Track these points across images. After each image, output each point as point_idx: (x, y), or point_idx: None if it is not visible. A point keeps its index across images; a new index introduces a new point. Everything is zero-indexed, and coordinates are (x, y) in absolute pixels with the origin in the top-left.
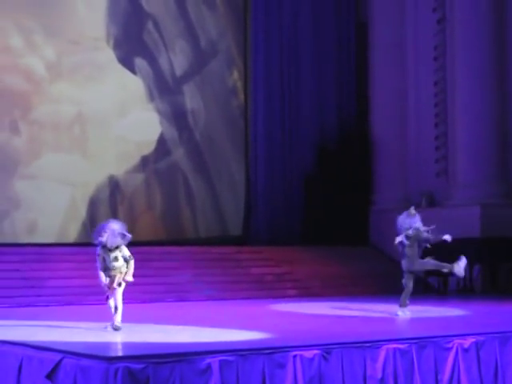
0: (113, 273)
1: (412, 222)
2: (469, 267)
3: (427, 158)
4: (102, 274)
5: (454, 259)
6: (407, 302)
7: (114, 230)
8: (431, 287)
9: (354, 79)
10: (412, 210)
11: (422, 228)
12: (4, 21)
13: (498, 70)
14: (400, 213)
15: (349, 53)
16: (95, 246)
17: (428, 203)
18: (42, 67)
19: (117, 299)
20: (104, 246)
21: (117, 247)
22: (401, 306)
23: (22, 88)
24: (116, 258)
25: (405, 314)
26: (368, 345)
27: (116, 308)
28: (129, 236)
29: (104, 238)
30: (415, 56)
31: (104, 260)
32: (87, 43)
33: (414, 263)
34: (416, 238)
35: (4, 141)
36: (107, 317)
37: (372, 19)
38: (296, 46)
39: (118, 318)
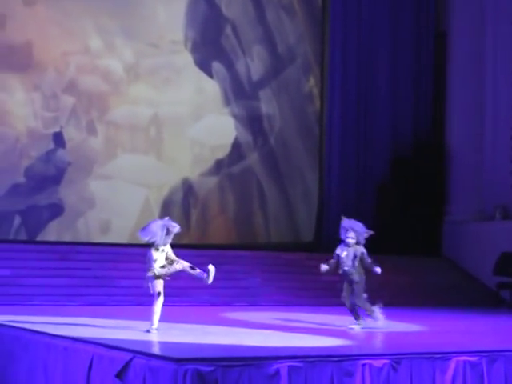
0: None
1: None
2: None
3: (502, 170)
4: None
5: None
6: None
7: (167, 223)
8: (503, 301)
9: (430, 88)
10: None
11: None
12: (84, 22)
13: None
14: (473, 223)
15: (426, 61)
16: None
17: (502, 216)
18: (121, 69)
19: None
20: (157, 248)
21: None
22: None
23: (100, 89)
24: (166, 256)
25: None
26: (438, 356)
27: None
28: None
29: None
30: (493, 67)
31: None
32: (165, 46)
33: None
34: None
35: (81, 141)
36: (176, 318)
37: (451, 29)
38: (373, 53)
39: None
